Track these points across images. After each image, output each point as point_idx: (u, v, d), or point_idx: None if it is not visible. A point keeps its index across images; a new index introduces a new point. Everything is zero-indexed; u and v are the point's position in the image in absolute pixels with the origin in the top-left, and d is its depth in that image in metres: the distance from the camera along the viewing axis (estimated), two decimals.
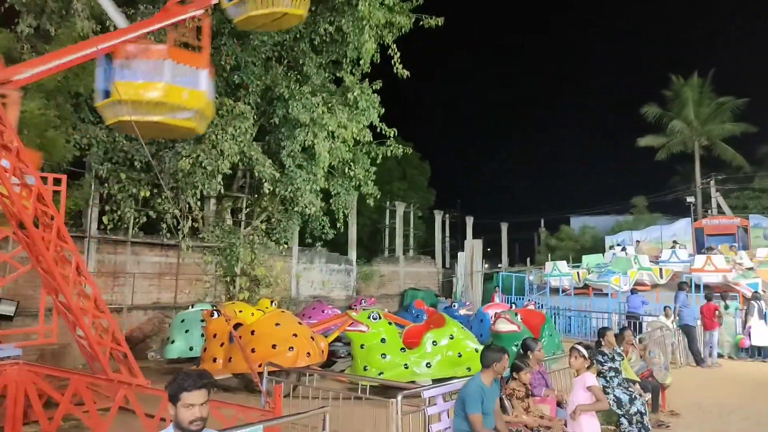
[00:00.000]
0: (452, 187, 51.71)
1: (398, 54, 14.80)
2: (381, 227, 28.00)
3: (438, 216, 27.59)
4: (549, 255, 28.59)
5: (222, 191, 15.21)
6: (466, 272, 24.84)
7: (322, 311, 13.41)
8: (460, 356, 7.81)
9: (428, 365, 7.73)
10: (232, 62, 12.97)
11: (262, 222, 15.97)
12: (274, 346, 7.61)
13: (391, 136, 15.28)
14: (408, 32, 16.34)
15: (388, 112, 15.50)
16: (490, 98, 78.18)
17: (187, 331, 9.45)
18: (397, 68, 14.92)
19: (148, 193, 12.09)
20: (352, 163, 16.48)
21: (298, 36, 14.26)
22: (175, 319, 10.03)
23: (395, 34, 16.04)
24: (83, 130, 11.50)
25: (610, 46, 73.98)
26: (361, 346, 7.77)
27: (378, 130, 15.09)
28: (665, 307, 12.27)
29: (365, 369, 7.65)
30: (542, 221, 35.39)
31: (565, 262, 19.53)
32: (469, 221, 29.56)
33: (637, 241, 22.53)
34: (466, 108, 77.08)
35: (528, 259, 29.48)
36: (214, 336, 8.37)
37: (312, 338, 8.04)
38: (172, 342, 9.38)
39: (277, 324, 7.99)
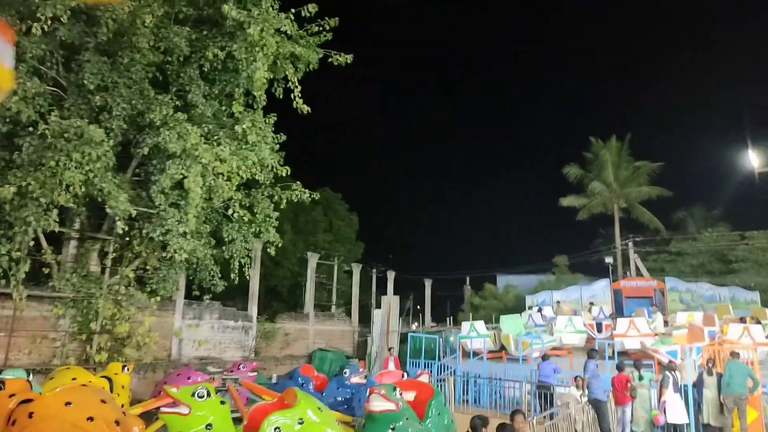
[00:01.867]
0: (382, 242, 50.42)
1: (299, 87, 13.60)
2: (302, 281, 26.10)
3: (356, 269, 25.98)
4: (471, 314, 27.48)
5: (83, 231, 13.12)
6: (382, 332, 23.09)
7: (189, 378, 11.30)
8: None
9: None
10: (97, 81, 11.22)
11: (135, 270, 13.81)
12: None
13: (284, 175, 13.79)
14: (316, 69, 15.31)
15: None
16: (419, 155, 78.78)
17: None
18: (297, 103, 13.67)
19: None
20: (244, 206, 14.85)
21: (182, 59, 12.77)
22: None
23: (302, 70, 14.98)
24: None
25: (533, 107, 76.91)
26: None
27: (270, 168, 13.57)
28: (576, 377, 11.03)
29: None
30: (467, 279, 34.44)
31: (482, 322, 18.28)
32: (391, 276, 28.15)
33: (557, 302, 21.70)
34: (397, 164, 77.34)
35: (449, 319, 28.15)
36: None
37: (117, 423, 6.05)
38: None
39: (67, 403, 5.95)
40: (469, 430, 4.83)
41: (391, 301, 23.45)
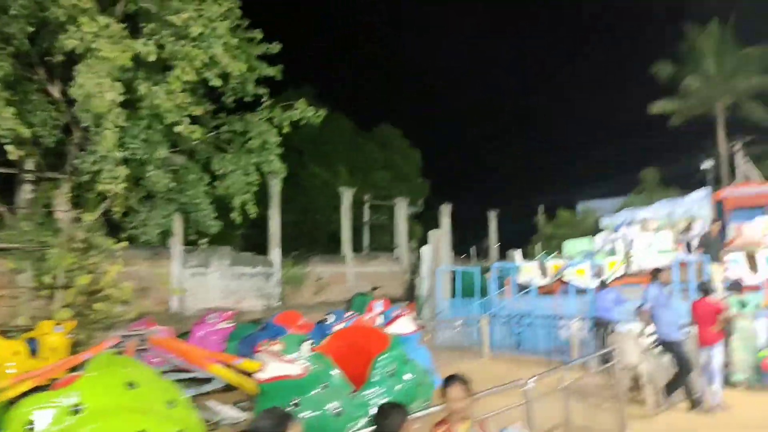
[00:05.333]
0: (453, 178, 46.32)
1: None
2: (362, 224, 23.94)
3: (401, 204, 23.25)
4: (540, 245, 24.12)
5: (37, 172, 11.28)
6: (432, 270, 20.38)
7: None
8: None
9: None
10: None
11: (104, 213, 11.90)
12: None
13: (239, 72, 10.95)
14: None
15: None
16: (483, 69, 69.59)
17: None
18: None
19: None
20: (237, 132, 12.47)
21: None
22: None
23: None
24: None
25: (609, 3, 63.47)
26: None
27: (221, 67, 10.80)
28: (639, 307, 7.68)
29: None
30: (540, 207, 30.62)
31: (520, 251, 15.06)
32: (446, 210, 25.08)
33: (643, 220, 17.63)
34: (460, 88, 68.72)
35: (517, 253, 24.75)
36: None
37: None
38: None
39: None
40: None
41: (440, 236, 20.51)
